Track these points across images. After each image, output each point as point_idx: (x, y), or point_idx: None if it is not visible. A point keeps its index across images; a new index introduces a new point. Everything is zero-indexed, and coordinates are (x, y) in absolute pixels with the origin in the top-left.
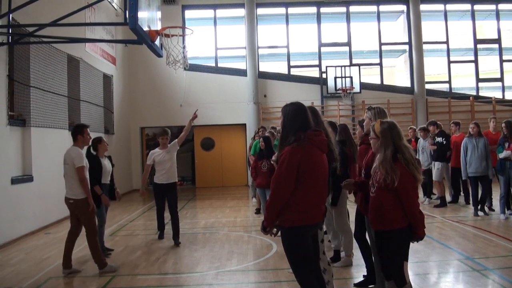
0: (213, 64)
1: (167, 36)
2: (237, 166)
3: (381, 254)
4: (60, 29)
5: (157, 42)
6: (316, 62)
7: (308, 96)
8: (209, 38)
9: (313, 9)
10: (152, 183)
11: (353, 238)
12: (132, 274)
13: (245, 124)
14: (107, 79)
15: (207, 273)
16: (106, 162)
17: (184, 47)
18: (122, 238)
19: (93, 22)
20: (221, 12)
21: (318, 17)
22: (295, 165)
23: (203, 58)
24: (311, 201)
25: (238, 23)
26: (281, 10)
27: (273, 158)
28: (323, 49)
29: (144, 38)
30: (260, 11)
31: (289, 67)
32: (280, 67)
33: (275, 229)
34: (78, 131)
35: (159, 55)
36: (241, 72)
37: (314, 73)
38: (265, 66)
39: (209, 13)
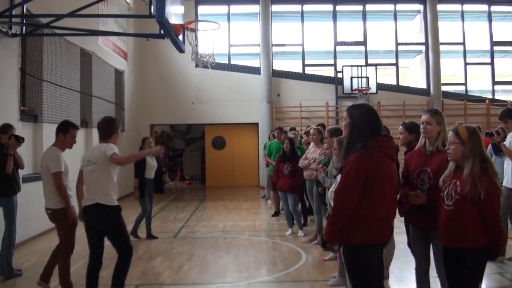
0: (226, 61)
1: (192, 30)
2: (248, 166)
3: (452, 275)
4: (73, 22)
5: (180, 37)
6: (331, 61)
7: (323, 96)
8: (222, 34)
9: (329, 7)
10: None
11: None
12: (157, 284)
13: (257, 124)
14: (118, 74)
15: (237, 283)
16: (149, 159)
17: (212, 43)
18: (138, 242)
19: (114, 14)
20: (235, 8)
21: (334, 15)
22: (362, 175)
23: (216, 54)
24: (378, 217)
25: (252, 19)
26: (297, 8)
27: (336, 166)
28: (338, 48)
29: (169, 32)
30: (275, 8)
31: (304, 65)
32: (295, 66)
33: (336, 245)
34: (60, 128)
35: (182, 51)
36: (255, 70)
37: (329, 72)
38: (279, 65)
39: (222, 9)
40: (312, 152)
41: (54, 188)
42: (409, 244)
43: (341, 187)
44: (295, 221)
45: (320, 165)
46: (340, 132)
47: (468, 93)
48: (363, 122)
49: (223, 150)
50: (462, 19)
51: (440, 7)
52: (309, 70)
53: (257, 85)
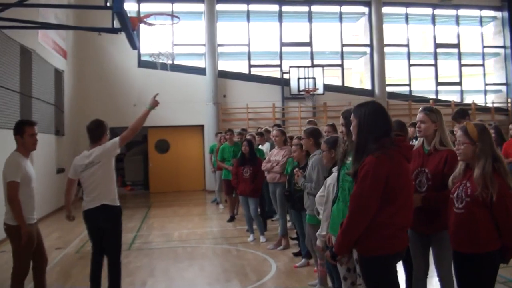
0: (170, 61)
1: (151, 24)
2: (194, 170)
3: (464, 280)
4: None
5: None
6: (277, 62)
7: (269, 97)
8: (165, 33)
9: (275, 7)
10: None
11: None
12: None
13: (203, 126)
14: (58, 74)
15: None
16: None
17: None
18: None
19: (61, 4)
20: (179, 7)
21: (280, 15)
22: (382, 179)
23: (149, 55)
24: (397, 224)
25: (197, 18)
26: (242, 7)
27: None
28: (284, 48)
29: (126, 25)
30: (220, 7)
31: (250, 66)
32: (241, 67)
33: (345, 257)
34: (15, 131)
35: (135, 47)
36: (200, 71)
37: (275, 73)
38: (225, 65)
39: (166, 7)
40: (275, 154)
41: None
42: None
43: (358, 192)
44: (255, 226)
45: (297, 169)
46: (317, 132)
47: (412, 94)
48: (372, 121)
49: (167, 154)
50: (407, 22)
51: (385, 9)
52: (255, 71)
53: (203, 86)
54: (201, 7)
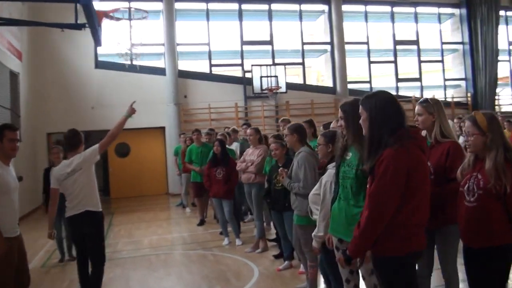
0: (128, 62)
1: (118, 19)
2: (156, 173)
3: (475, 276)
4: None
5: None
6: (239, 61)
7: (231, 97)
8: (123, 32)
9: (234, 5)
10: None
11: None
12: None
13: (164, 128)
14: (14, 77)
15: None
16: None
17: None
18: (59, 270)
19: None
20: (136, 5)
21: (240, 14)
22: (403, 173)
23: (116, 55)
24: (416, 222)
25: (155, 17)
26: (202, 5)
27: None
28: (245, 47)
29: (93, 19)
30: (179, 5)
31: (211, 65)
32: (201, 66)
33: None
34: None
35: (100, 44)
36: (159, 71)
37: (236, 72)
38: (185, 65)
39: (123, 5)
40: (250, 154)
41: None
42: None
43: (378, 189)
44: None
45: (281, 168)
46: (302, 129)
47: (373, 91)
48: (385, 112)
49: (128, 158)
50: (366, 20)
51: (345, 7)
52: (216, 70)
53: (163, 86)
54: (159, 5)
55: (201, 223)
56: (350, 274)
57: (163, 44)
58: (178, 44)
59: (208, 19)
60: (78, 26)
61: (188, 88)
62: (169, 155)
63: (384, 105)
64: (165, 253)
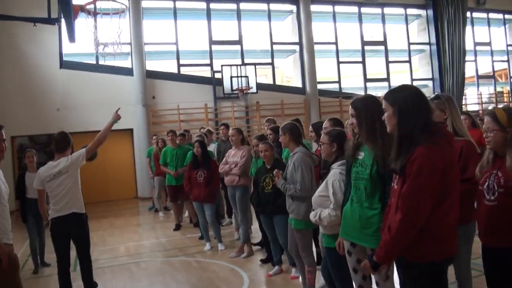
0: (94, 62)
1: (95, 14)
2: (124, 177)
3: (494, 278)
4: None
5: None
6: (207, 61)
7: (201, 98)
8: (88, 31)
9: (202, 4)
10: None
11: None
12: None
13: (132, 130)
14: None
15: None
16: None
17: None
18: (31, 281)
19: None
20: (101, 4)
21: (208, 13)
22: (439, 172)
23: (82, 54)
24: (451, 223)
25: (121, 16)
26: (169, 4)
27: (393, 166)
28: (214, 47)
29: (71, 13)
30: (146, 4)
31: (179, 66)
32: (169, 66)
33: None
34: None
35: (73, 40)
36: (127, 71)
37: (206, 72)
38: (153, 65)
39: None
40: (233, 155)
41: None
42: None
43: (412, 190)
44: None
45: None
46: (297, 129)
47: (342, 91)
48: (414, 107)
49: (94, 161)
50: (334, 20)
51: (313, 7)
52: (185, 71)
53: (130, 87)
54: (125, 3)
55: (177, 227)
56: (363, 280)
57: (129, 44)
58: (145, 44)
59: (175, 18)
60: (51, 21)
61: (156, 88)
62: (138, 157)
63: (414, 99)
64: (145, 261)
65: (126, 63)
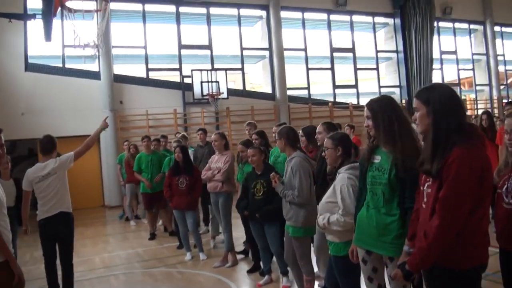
0: (60, 65)
1: (76, 11)
2: (90, 185)
3: (510, 280)
4: None
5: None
6: (177, 66)
7: (170, 103)
8: (54, 33)
9: (172, 8)
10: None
11: None
12: None
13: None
14: None
15: None
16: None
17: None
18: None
19: None
20: (68, 5)
21: (178, 17)
22: (478, 175)
23: (48, 57)
24: (484, 229)
25: (88, 18)
26: (138, 7)
27: (427, 169)
28: (183, 51)
29: (51, 8)
30: (114, 5)
31: (148, 70)
32: (138, 70)
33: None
34: None
35: (50, 39)
36: (94, 75)
37: (175, 77)
38: (121, 69)
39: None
40: (216, 161)
41: None
42: None
43: (451, 193)
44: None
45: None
46: (293, 133)
47: (312, 97)
48: (450, 106)
49: None
50: (303, 26)
51: (283, 14)
52: (153, 75)
53: (97, 91)
54: (93, 5)
55: (152, 237)
56: None
57: (97, 46)
58: (113, 47)
59: (144, 22)
60: (27, 17)
61: (124, 93)
62: (105, 164)
63: (449, 98)
64: (124, 273)
65: (93, 66)
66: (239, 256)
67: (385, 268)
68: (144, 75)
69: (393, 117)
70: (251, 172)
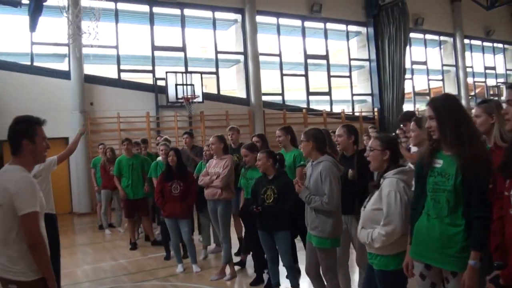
0: (29, 63)
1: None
2: (58, 190)
3: None
4: None
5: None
6: (150, 67)
7: (142, 106)
8: (22, 29)
9: (145, 8)
10: None
11: None
12: None
13: (67, 138)
14: None
15: None
16: None
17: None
18: None
19: None
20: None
21: (151, 17)
22: None
23: (16, 54)
24: None
25: (58, 15)
26: (110, 5)
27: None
28: (156, 53)
29: None
30: (85, 3)
31: (119, 71)
32: (109, 71)
33: None
34: (21, 133)
35: (35, 29)
36: (63, 74)
37: (148, 79)
38: (92, 69)
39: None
40: (214, 166)
41: (19, 244)
42: None
43: None
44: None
45: (296, 179)
46: (321, 135)
47: (286, 103)
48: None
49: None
50: (278, 32)
51: (258, 18)
52: (125, 76)
53: (67, 92)
54: (64, 2)
55: (134, 246)
56: None
57: (67, 45)
58: (84, 46)
59: (117, 21)
60: (14, 3)
61: (94, 94)
62: (74, 169)
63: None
64: (111, 287)
65: (63, 65)
66: (236, 268)
67: (444, 284)
68: (116, 76)
69: (460, 118)
70: (261, 176)
